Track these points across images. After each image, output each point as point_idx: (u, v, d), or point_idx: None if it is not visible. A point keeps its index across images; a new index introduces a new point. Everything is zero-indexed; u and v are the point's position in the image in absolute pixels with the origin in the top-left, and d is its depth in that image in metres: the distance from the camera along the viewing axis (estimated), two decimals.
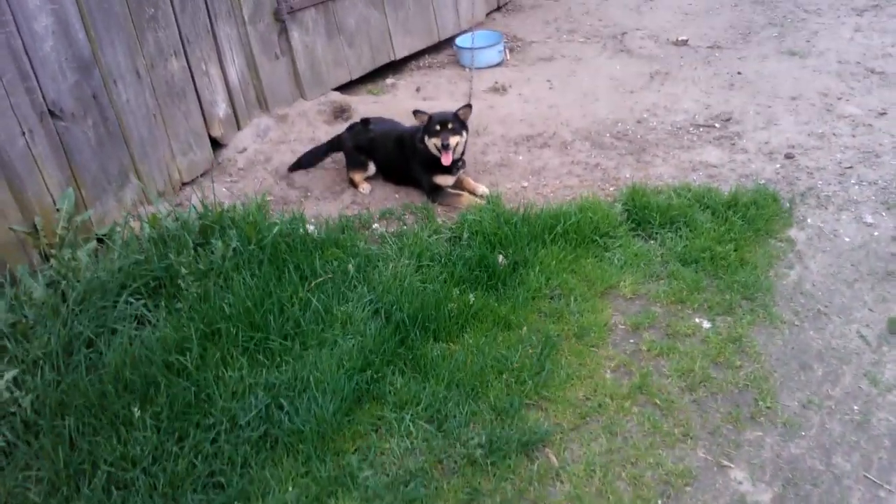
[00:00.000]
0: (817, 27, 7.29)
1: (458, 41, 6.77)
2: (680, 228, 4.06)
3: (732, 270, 3.77)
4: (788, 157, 4.90)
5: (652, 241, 4.06)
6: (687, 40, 7.13)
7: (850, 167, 4.73)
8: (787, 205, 4.34)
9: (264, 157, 5.08)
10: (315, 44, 5.74)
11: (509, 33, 7.39)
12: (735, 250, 3.90)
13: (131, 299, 3.46)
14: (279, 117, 5.49)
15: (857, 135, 5.13)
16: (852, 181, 4.58)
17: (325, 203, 4.63)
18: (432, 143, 4.37)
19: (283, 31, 5.46)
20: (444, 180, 4.53)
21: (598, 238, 3.96)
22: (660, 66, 6.57)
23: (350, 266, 3.79)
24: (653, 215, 4.12)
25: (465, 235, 4.00)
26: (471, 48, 6.61)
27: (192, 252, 3.72)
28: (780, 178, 4.66)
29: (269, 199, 4.69)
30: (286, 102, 5.61)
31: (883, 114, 5.42)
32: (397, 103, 5.88)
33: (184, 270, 3.53)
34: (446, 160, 4.34)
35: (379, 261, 3.81)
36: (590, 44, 7.20)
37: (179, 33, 4.64)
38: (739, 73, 6.32)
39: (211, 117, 4.97)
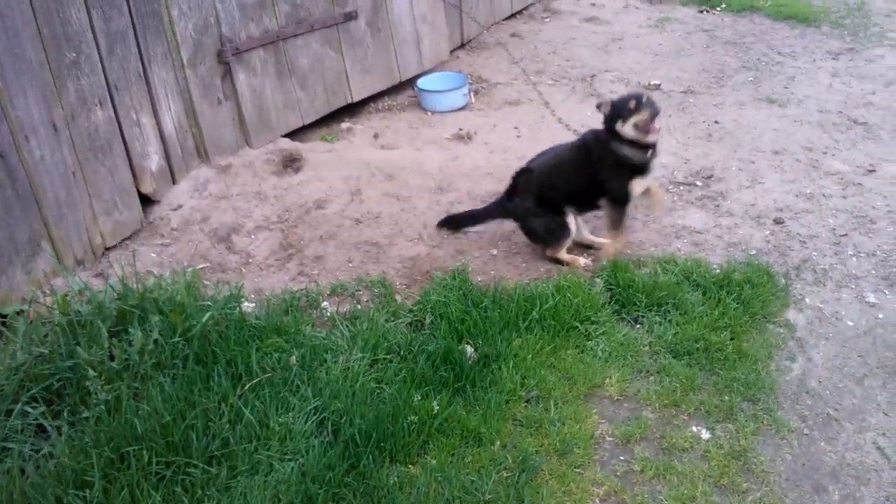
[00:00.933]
0: (793, 72, 7.01)
1: (420, 83, 6.30)
2: (669, 311, 3.62)
3: (730, 364, 3.33)
4: (778, 221, 4.52)
5: (638, 327, 3.61)
6: (659, 85, 6.77)
7: (845, 234, 4.36)
8: (783, 281, 3.94)
9: (202, 216, 4.53)
10: (263, 86, 5.22)
11: (473, 73, 6.96)
12: (731, 339, 3.47)
13: (29, 408, 2.90)
14: (221, 168, 4.95)
15: (848, 196, 4.78)
16: (849, 251, 4.21)
17: (268, 273, 4.10)
18: (632, 122, 3.76)
19: (228, 74, 4.94)
20: (639, 185, 3.95)
21: (578, 324, 3.49)
22: None
23: (293, 359, 3.27)
24: (638, 296, 3.67)
25: (428, 320, 3.51)
26: (433, 91, 6.16)
27: (107, 344, 3.17)
28: (772, 248, 4.26)
29: (204, 266, 4.16)
30: (230, 151, 5.08)
31: (871, 171, 5.09)
32: (354, 151, 5.39)
33: (92, 373, 2.96)
34: (654, 135, 3.78)
35: (327, 353, 3.29)
36: (558, 86, 6.80)
37: (106, 80, 4.09)
38: (717, 121, 5.97)
39: (141, 171, 4.41)
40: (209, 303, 3.47)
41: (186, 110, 4.72)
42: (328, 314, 3.66)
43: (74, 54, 3.90)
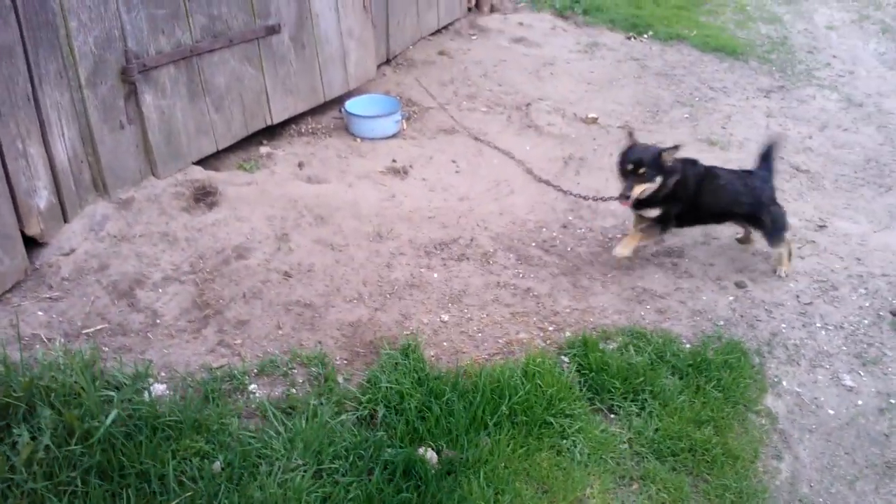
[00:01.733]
0: (729, 110, 6.85)
1: (349, 106, 5.74)
2: (647, 401, 3.25)
3: (718, 468, 2.99)
4: (739, 285, 4.25)
5: (614, 418, 3.22)
6: (597, 118, 6.46)
7: (810, 303, 4.13)
8: (757, 359, 3.65)
9: (98, 263, 3.85)
10: (174, 108, 4.55)
11: (403, 95, 6.45)
12: (716, 434, 3.13)
13: None
14: (121, 203, 4.26)
15: (805, 255, 4.57)
16: (817, 324, 3.97)
17: (180, 341, 3.47)
18: None
19: (133, 94, 4.25)
20: None
21: (552, 418, 3.07)
22: (573, 150, 5.85)
23: (217, 465, 2.70)
24: (613, 382, 3.28)
25: (381, 413, 3.00)
26: (364, 116, 5.63)
27: None
28: (739, 318, 3.97)
29: (101, 327, 3.51)
30: (132, 183, 4.38)
31: (823, 227, 4.93)
32: (278, 185, 4.77)
33: None
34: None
35: (260, 459, 2.73)
36: (493, 114, 6.38)
37: None
38: None
39: (28, 211, 3.69)
40: (112, 392, 2.85)
41: (83, 137, 4.01)
42: (257, 400, 3.09)
43: None
